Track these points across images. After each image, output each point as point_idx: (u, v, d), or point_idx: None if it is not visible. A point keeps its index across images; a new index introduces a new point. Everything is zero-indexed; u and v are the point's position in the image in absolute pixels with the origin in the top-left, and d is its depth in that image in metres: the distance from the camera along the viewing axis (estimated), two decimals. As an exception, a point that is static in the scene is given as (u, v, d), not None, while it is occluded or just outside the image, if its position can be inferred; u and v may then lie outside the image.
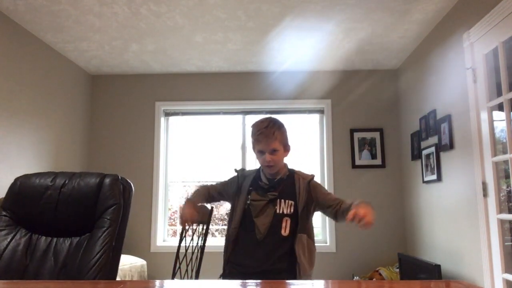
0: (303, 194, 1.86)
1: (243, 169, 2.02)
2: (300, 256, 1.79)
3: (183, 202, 1.87)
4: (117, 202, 1.56)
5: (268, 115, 2.01)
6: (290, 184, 1.90)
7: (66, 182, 1.58)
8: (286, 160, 1.97)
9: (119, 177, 1.61)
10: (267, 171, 1.90)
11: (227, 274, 1.87)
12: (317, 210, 1.93)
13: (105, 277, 1.47)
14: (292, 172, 1.96)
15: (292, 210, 1.84)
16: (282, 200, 1.86)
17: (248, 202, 1.87)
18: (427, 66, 3.51)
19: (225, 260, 1.89)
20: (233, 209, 1.92)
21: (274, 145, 1.84)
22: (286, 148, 1.93)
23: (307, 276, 1.82)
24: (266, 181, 1.91)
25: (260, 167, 1.97)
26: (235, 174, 2.01)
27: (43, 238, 1.57)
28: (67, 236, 1.56)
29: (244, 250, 1.85)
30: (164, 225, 4.35)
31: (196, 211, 1.80)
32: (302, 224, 1.84)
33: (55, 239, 1.56)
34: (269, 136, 1.83)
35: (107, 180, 1.58)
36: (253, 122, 1.93)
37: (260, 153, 1.86)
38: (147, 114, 4.43)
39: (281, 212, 1.84)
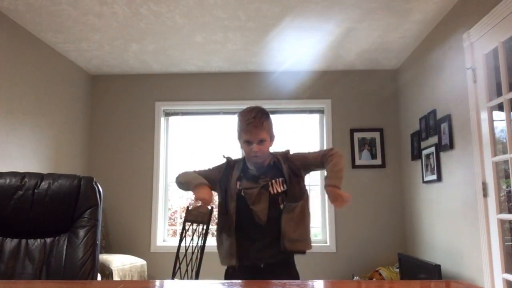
0: (286, 168, 1.89)
1: (230, 157, 2.01)
2: (284, 225, 1.81)
3: (192, 189, 1.86)
4: (97, 203, 1.58)
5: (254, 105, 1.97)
6: (276, 165, 1.92)
7: (39, 182, 1.56)
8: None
9: (94, 179, 1.62)
10: (254, 161, 1.88)
11: (239, 268, 1.86)
12: (309, 171, 1.99)
13: (95, 276, 1.49)
14: (273, 155, 1.97)
15: (284, 187, 1.87)
16: (274, 181, 1.87)
17: (240, 188, 1.87)
18: (427, 66, 3.51)
19: (231, 254, 1.84)
20: (223, 196, 1.89)
21: (263, 136, 1.81)
22: (272, 138, 1.92)
23: (292, 243, 1.82)
24: (254, 169, 1.91)
25: (244, 156, 1.97)
26: (224, 161, 1.99)
27: (9, 239, 1.53)
28: (38, 237, 1.54)
29: (249, 240, 1.85)
30: (164, 225, 4.35)
31: (210, 189, 1.86)
32: (291, 192, 1.86)
33: (23, 241, 1.53)
34: (258, 126, 1.79)
35: (84, 182, 1.59)
36: (248, 109, 1.87)
37: (247, 143, 1.83)
38: (147, 114, 4.43)
39: (275, 192, 1.86)
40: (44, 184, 1.56)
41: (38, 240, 1.53)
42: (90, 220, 1.54)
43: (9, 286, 1.19)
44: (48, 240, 1.53)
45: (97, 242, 1.54)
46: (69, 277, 1.46)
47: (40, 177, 1.58)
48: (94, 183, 1.60)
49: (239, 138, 1.89)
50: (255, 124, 1.79)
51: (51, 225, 1.54)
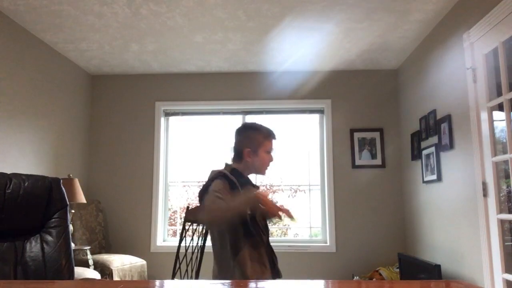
0: None
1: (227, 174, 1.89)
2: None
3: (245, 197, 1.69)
4: (66, 204, 1.58)
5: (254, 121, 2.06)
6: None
7: (8, 183, 1.52)
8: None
9: (61, 181, 1.63)
10: (265, 171, 1.98)
11: None
12: None
13: (73, 275, 1.52)
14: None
15: None
16: None
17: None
18: (427, 66, 3.51)
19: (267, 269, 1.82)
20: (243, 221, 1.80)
21: None
22: None
23: None
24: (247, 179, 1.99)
25: (230, 170, 1.91)
26: (226, 181, 1.84)
27: None
28: (6, 239, 1.50)
29: (264, 260, 1.83)
30: (164, 225, 4.35)
31: None
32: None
33: None
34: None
35: (54, 182, 1.59)
36: (259, 124, 1.98)
37: (268, 153, 1.96)
38: (147, 114, 4.43)
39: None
40: (14, 185, 1.52)
41: (7, 242, 1.49)
42: (62, 220, 1.55)
43: (8, 286, 1.19)
44: (17, 242, 1.50)
45: (71, 243, 1.56)
46: (51, 275, 1.46)
47: (8, 177, 1.53)
48: (61, 184, 1.61)
49: (260, 147, 1.91)
50: (275, 138, 1.99)
51: (22, 226, 1.52)
